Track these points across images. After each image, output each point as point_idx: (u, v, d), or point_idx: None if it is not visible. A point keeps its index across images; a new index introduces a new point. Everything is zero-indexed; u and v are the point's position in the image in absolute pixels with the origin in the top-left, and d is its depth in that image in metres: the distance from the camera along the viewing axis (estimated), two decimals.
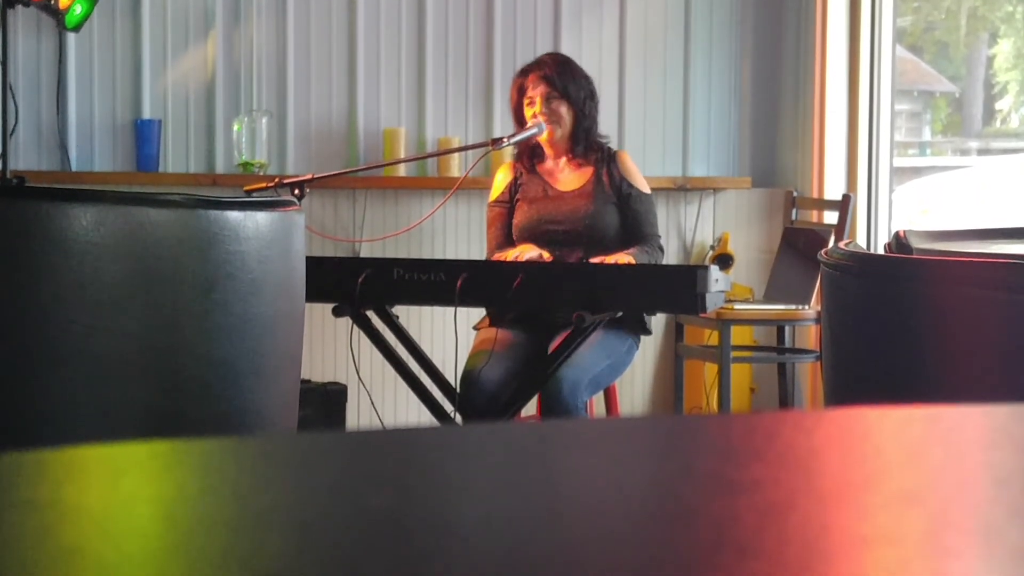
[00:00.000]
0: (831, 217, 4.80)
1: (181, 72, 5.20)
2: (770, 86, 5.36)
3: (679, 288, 3.36)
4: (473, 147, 4.30)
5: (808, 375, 5.07)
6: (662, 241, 4.02)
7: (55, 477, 0.66)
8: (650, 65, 5.32)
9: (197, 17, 5.19)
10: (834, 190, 4.98)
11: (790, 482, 0.65)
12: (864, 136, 5.02)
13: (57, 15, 4.85)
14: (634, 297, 3.45)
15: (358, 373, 4.22)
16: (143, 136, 5.10)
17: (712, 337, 4.84)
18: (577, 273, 3.56)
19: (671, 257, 5.12)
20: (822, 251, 2.25)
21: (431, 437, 0.79)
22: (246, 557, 0.52)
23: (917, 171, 6.86)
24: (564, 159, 4.04)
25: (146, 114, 5.15)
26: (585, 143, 4.00)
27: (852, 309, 2.13)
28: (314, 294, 2.90)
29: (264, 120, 5.10)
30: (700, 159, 5.35)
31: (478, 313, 4.03)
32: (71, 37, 5.08)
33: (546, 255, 3.80)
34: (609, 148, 4.06)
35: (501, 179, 4.10)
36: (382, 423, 4.94)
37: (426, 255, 5.11)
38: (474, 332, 4.01)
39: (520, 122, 4.02)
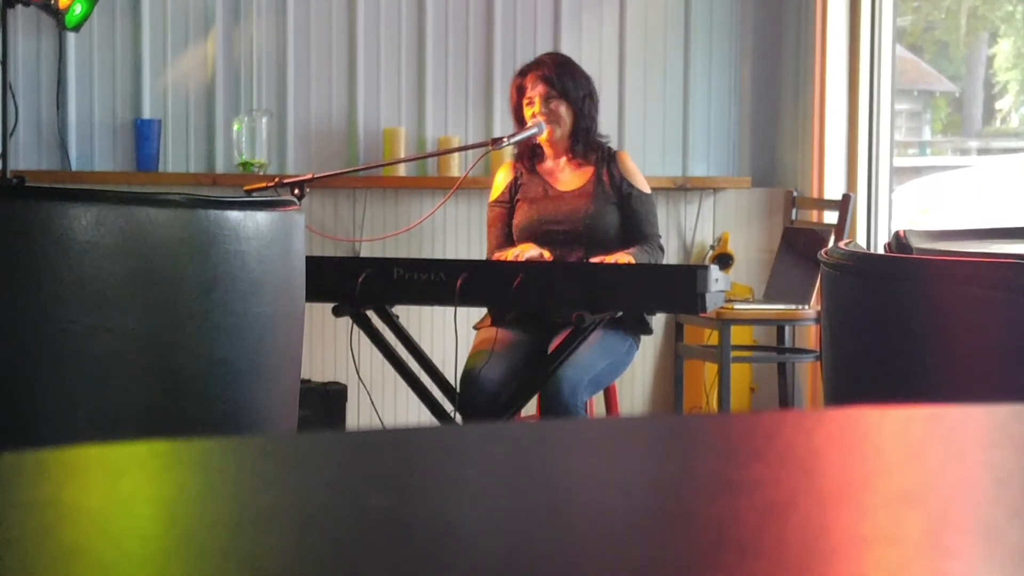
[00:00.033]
0: (831, 217, 4.80)
1: (181, 72, 5.20)
2: (770, 86, 5.36)
3: (679, 288, 3.36)
4: (473, 147, 4.30)
5: (808, 375, 5.07)
6: (662, 241, 4.02)
7: (55, 477, 0.66)
8: (650, 65, 5.32)
9: (197, 17, 5.19)
10: (834, 190, 4.98)
11: (790, 482, 0.65)
12: (864, 136, 5.01)
13: (57, 15, 4.85)
14: (634, 297, 3.45)
15: (358, 373, 4.22)
16: (143, 136, 5.10)
17: (712, 337, 4.84)
18: (577, 273, 3.56)
19: (671, 257, 5.12)
20: (822, 251, 2.25)
21: (431, 437, 0.79)
22: (246, 557, 0.52)
23: (917, 171, 6.87)
24: (564, 159, 4.04)
25: (146, 114, 5.15)
26: (585, 143, 4.00)
27: (852, 309, 2.13)
28: (314, 294, 2.90)
29: (264, 120, 5.10)
30: (700, 159, 5.35)
31: (478, 313, 4.03)
32: (71, 37, 5.07)
33: (546, 254, 3.80)
34: (609, 148, 4.06)
35: (501, 179, 4.10)
36: (382, 423, 4.94)
37: (426, 255, 5.11)
38: (474, 332, 4.01)
39: (520, 122, 4.02)
